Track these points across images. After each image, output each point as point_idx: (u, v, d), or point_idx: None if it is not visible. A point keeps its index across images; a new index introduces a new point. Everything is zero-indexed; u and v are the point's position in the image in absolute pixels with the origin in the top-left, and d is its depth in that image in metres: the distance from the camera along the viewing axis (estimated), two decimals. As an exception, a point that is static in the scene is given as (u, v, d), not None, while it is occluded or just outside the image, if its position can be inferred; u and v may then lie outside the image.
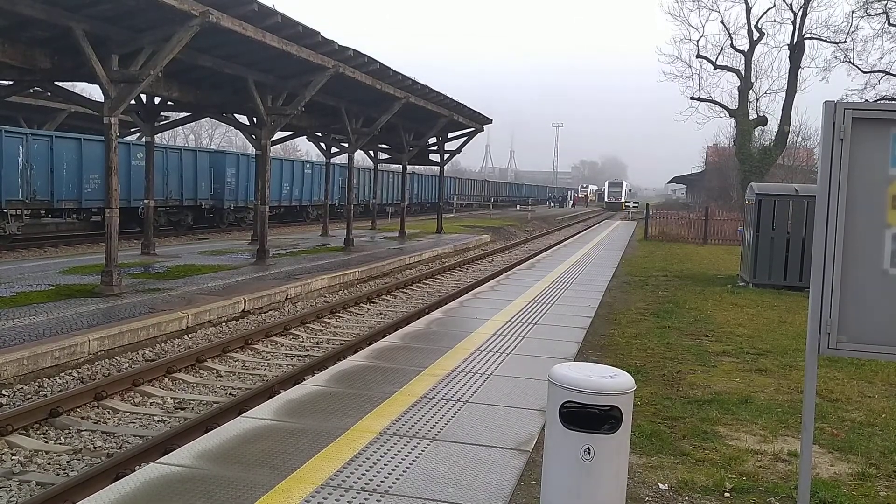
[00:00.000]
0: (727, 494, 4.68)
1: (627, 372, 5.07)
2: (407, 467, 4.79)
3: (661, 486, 4.78)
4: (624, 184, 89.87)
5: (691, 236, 32.16)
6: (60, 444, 6.73)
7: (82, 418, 7.36)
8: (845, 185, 3.69)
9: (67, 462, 6.29)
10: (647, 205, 38.04)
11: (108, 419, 7.45)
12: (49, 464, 6.25)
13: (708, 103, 43.04)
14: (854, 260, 3.68)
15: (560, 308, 11.79)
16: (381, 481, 4.54)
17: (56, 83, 14.14)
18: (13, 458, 6.34)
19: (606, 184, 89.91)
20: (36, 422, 7.07)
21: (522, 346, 8.72)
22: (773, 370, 8.19)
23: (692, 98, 43.11)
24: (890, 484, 4.98)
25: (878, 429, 6.17)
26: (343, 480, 4.53)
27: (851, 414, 6.58)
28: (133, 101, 16.81)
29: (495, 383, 6.98)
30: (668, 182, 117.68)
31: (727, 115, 42.23)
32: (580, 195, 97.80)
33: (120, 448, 6.63)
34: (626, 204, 66.09)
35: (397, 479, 4.60)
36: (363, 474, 4.64)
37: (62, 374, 8.60)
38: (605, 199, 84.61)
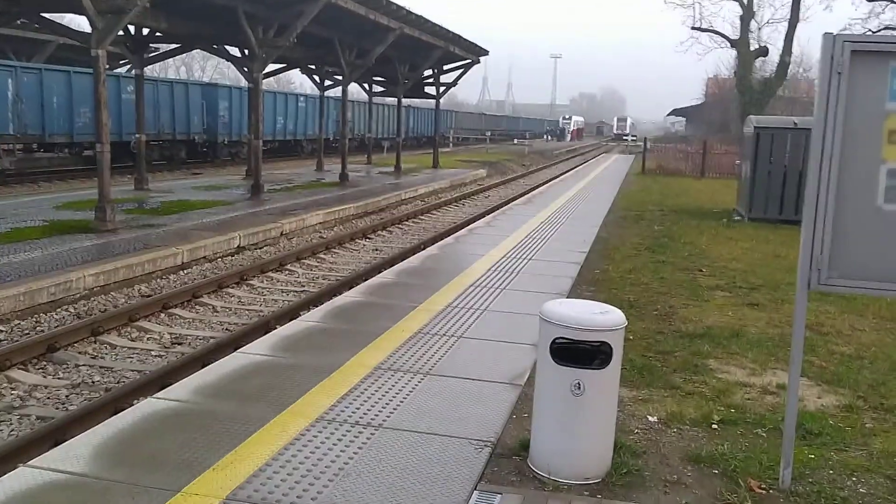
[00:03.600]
0: (715, 426, 4.77)
1: (621, 307, 5.11)
2: (401, 401, 4.86)
3: (650, 418, 4.87)
4: (629, 119, 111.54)
5: (689, 170, 31.97)
6: (59, 378, 6.81)
7: (80, 353, 7.44)
8: (842, 119, 3.63)
9: (66, 396, 6.38)
10: (645, 138, 37.66)
11: (106, 354, 7.52)
12: (48, 398, 6.34)
13: (709, 33, 42.31)
14: (847, 195, 3.66)
15: (555, 243, 11.80)
16: (376, 415, 4.62)
17: (42, 14, 13.79)
18: (13, 392, 6.42)
19: (615, 119, 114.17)
20: (34, 357, 7.14)
21: (517, 282, 8.75)
22: (766, 304, 8.25)
23: (693, 28, 42.37)
24: (876, 416, 5.07)
25: (867, 361, 6.25)
26: (338, 414, 4.60)
27: (841, 347, 6.67)
28: (121, 33, 16.44)
29: (489, 318, 7.04)
30: (668, 115, 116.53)
31: (728, 45, 41.55)
32: (563, 126, 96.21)
33: (118, 383, 6.72)
34: (624, 137, 65.63)
35: (391, 412, 4.67)
36: (357, 408, 4.71)
37: (59, 309, 8.65)
38: (614, 132, 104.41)
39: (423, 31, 23.35)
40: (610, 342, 3.86)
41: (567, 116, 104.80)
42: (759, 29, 40.73)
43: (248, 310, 9.35)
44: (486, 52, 30.55)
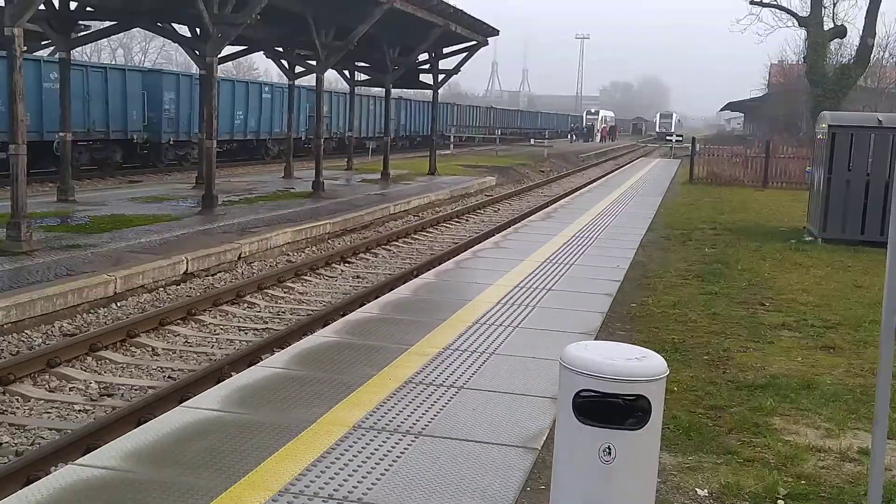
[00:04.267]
0: (781, 502, 4.75)
1: (663, 350, 5.10)
2: (386, 469, 4.84)
3: (699, 491, 4.85)
4: (674, 115, 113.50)
5: (748, 178, 32.09)
6: (-42, 439, 6.79)
7: (-15, 407, 7.41)
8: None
9: (-33, 462, 6.35)
10: (693, 139, 37.78)
11: (17, 409, 7.50)
12: (-56, 464, 6.31)
13: (772, 9, 42.62)
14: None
15: (581, 270, 11.81)
16: (354, 486, 4.60)
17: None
18: None
19: (658, 115, 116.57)
20: (-73, 412, 7.12)
21: (533, 318, 8.75)
22: (844, 347, 8.25)
23: (752, 2, 42.66)
24: (982, 489, 5.04)
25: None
26: (307, 486, 4.59)
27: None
28: (42, 7, 16.58)
29: (497, 364, 7.03)
30: (721, 109, 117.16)
31: (796, 24, 41.84)
32: (586, 125, 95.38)
33: (31, 445, 6.69)
34: (668, 137, 65.83)
35: (374, 483, 4.65)
36: (332, 478, 4.70)
37: (-41, 352, 8.63)
38: (657, 130, 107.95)
39: (418, 5, 23.55)
40: (648, 395, 3.84)
41: (593, 110, 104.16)
42: (835, 4, 40.95)
43: (196, 353, 9.33)
44: (495, 32, 30.75)
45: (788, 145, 35.63)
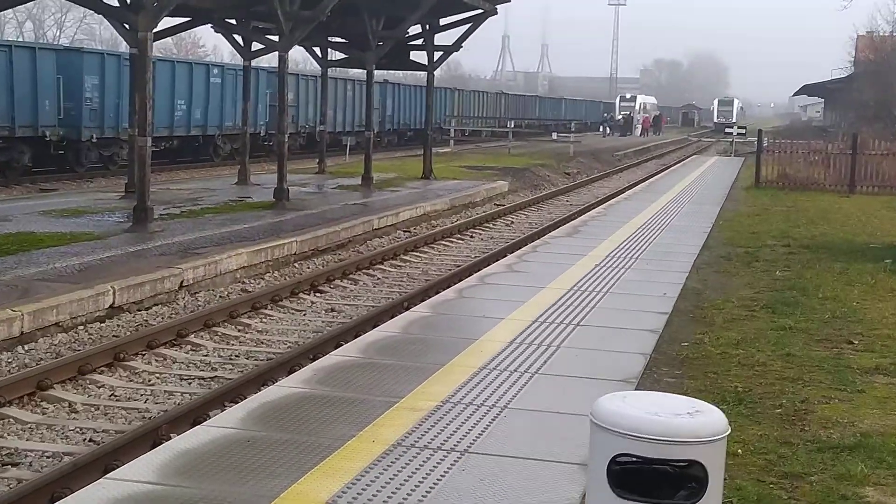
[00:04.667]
0: None
1: (723, 402, 5.04)
2: (368, 558, 4.81)
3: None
4: (735, 102, 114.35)
5: (830, 181, 32.08)
6: None
7: None
8: None
9: None
10: (760, 131, 37.82)
11: None
12: None
13: (858, -33, 42.82)
14: None
15: (618, 300, 11.78)
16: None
17: None
18: None
19: (715, 102, 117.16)
20: None
21: (556, 363, 8.72)
22: (955, 397, 8.23)
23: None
24: None
25: None
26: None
27: None
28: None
29: (510, 421, 7.00)
30: (795, 94, 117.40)
31: (889, -16, 41.98)
32: (621, 115, 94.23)
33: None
34: (728, 129, 65.70)
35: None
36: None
37: None
38: (714, 120, 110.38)
39: (408, -36, 23.66)
40: (703, 461, 3.82)
41: (629, 95, 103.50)
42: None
43: (125, 409, 9.28)
44: (506, -2, 30.87)
45: (881, 139, 35.60)
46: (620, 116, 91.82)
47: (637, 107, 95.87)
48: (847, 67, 70.56)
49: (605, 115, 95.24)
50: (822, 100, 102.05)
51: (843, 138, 37.92)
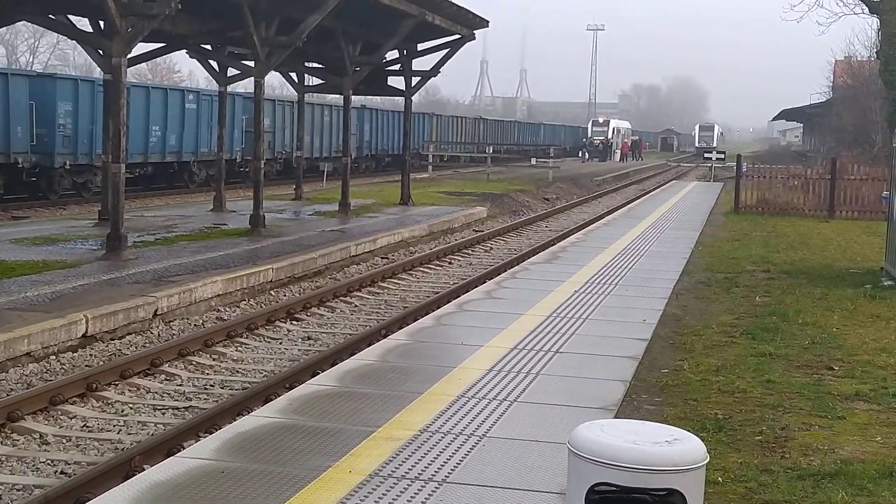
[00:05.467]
0: None
1: (703, 429, 5.03)
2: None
3: None
4: (716, 127, 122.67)
5: (809, 206, 32.29)
6: None
7: None
8: None
9: None
10: (739, 156, 37.98)
11: None
12: None
13: (835, -8, 43.18)
14: None
15: (597, 326, 11.78)
16: None
17: None
18: None
19: (697, 128, 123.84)
20: None
21: (535, 390, 8.71)
22: (937, 422, 8.23)
23: (810, -17, 43.26)
24: None
25: None
26: None
27: None
28: None
29: (489, 451, 6.98)
30: (774, 119, 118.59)
31: (866, 10, 42.43)
32: (596, 140, 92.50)
33: None
34: (707, 154, 66.05)
35: None
36: None
37: None
38: (696, 145, 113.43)
39: (385, -11, 23.74)
40: (683, 490, 3.81)
41: (601, 120, 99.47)
42: (914, -17, 41.51)
43: (97, 440, 9.21)
44: (484, 24, 30.99)
45: (860, 164, 35.85)
46: (599, 142, 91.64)
47: (611, 131, 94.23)
48: (825, 92, 71.23)
49: (584, 140, 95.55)
50: (801, 124, 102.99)
51: (822, 163, 38.17)
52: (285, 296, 16.68)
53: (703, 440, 4.00)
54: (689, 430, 4.08)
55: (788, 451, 7.34)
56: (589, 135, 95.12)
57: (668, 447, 3.87)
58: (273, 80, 28.22)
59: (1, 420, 9.31)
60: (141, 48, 21.94)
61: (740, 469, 6.86)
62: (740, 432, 7.77)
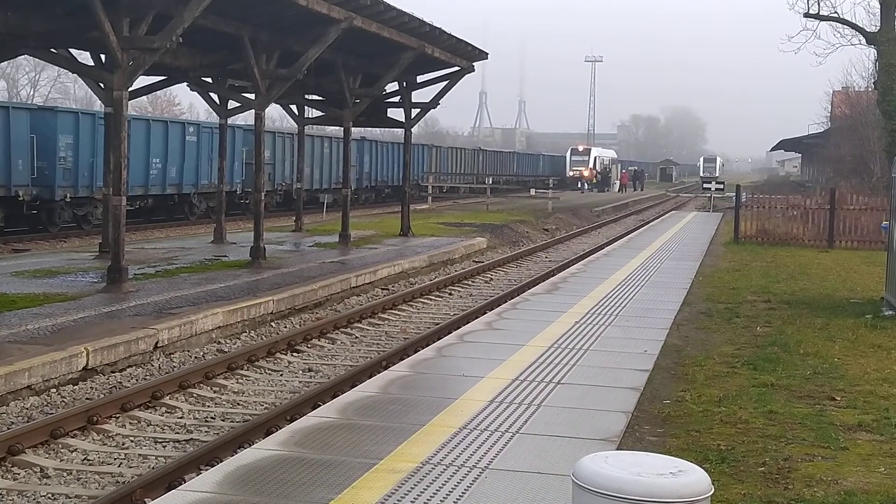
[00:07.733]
0: None
1: (706, 461, 5.04)
2: None
3: None
4: (718, 159, 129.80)
5: (809, 236, 32.31)
6: None
7: None
8: None
9: None
10: (738, 186, 38.06)
11: None
12: None
13: (832, 23, 43.35)
14: None
15: (598, 357, 11.79)
16: None
17: None
18: None
19: (701, 160, 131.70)
20: None
21: (537, 422, 8.71)
22: (940, 453, 8.23)
23: (807, 15, 43.40)
24: None
25: None
26: None
27: None
28: None
29: (491, 483, 6.97)
30: (772, 149, 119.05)
31: (863, 41, 42.58)
32: (573, 170, 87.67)
33: None
34: (707, 185, 66.11)
35: None
36: None
37: None
38: (700, 175, 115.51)
39: (385, 22, 23.85)
40: (688, 522, 3.81)
41: (581, 149, 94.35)
42: (911, 15, 41.69)
43: (98, 473, 9.18)
44: (483, 56, 31.13)
45: (859, 193, 35.91)
46: (571, 171, 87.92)
47: (591, 161, 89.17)
48: (823, 122, 71.39)
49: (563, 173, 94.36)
50: (800, 155, 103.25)
51: (820, 193, 38.23)
52: (286, 327, 16.68)
53: (706, 471, 4.01)
54: (692, 462, 4.09)
55: (792, 483, 7.34)
56: (567, 165, 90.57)
57: (672, 479, 3.88)
58: (273, 112, 28.49)
59: (1, 454, 9.29)
60: (142, 81, 22.04)
61: (744, 500, 6.86)
62: (743, 463, 7.77)
